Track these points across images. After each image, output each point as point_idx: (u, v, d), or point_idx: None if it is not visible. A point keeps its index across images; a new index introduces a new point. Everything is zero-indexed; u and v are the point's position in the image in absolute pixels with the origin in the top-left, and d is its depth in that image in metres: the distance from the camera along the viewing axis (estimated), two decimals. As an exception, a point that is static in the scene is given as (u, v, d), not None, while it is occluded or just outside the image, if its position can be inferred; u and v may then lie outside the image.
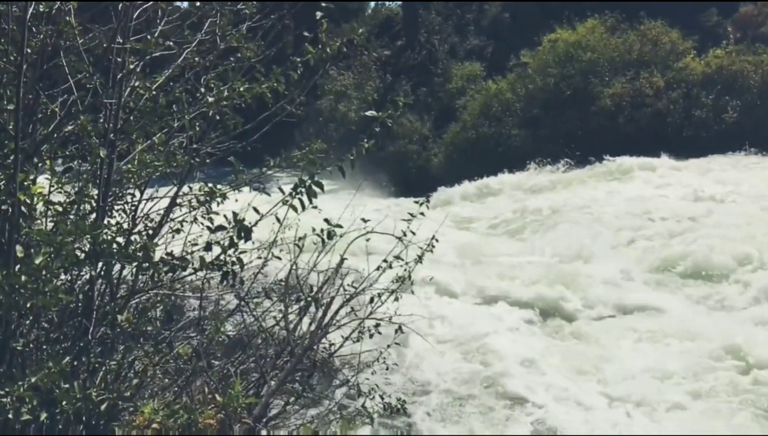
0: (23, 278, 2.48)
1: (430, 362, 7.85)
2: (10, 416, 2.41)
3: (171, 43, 3.51)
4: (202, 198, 3.48)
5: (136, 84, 3.35)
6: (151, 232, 3.59)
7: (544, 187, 17.53)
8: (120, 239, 2.89)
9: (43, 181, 3.08)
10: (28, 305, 2.59)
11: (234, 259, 3.11)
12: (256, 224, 3.16)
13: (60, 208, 3.06)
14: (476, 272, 11.03)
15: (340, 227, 3.64)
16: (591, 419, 6.62)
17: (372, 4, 32.14)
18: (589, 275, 10.33)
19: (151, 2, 3.50)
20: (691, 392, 7.04)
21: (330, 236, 3.64)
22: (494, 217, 15.69)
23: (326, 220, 3.59)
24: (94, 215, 3.10)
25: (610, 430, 6.43)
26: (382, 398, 4.48)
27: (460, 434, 6.81)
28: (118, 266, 3.07)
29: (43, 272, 2.55)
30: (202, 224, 3.46)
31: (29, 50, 3.02)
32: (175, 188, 3.63)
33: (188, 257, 3.23)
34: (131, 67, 3.29)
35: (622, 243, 11.95)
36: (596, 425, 6.50)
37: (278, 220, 3.46)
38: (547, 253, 11.96)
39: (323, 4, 3.80)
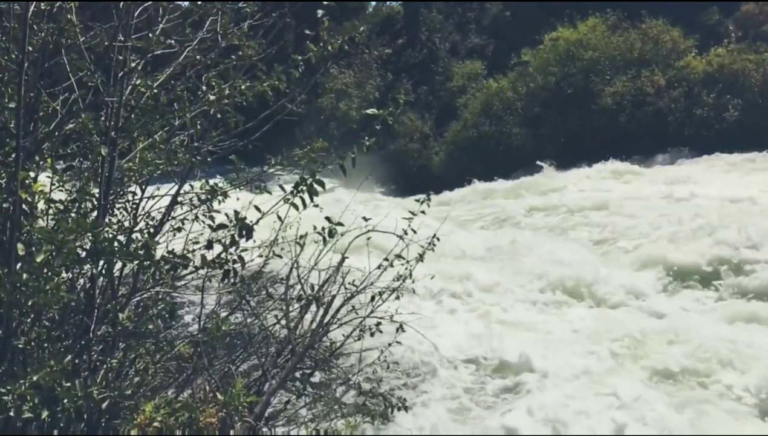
0: (24, 276, 2.48)
1: (429, 358, 8.09)
2: (12, 414, 2.41)
3: (172, 42, 3.51)
4: (203, 196, 3.48)
5: (138, 82, 3.35)
6: (152, 230, 3.59)
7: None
8: (121, 237, 2.89)
9: (44, 179, 3.08)
10: (30, 303, 2.59)
11: (235, 257, 3.11)
12: (257, 222, 3.16)
13: (61, 207, 3.07)
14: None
15: (341, 224, 3.64)
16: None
17: (373, 2, 32.13)
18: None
19: (152, 0, 3.49)
20: (594, 354, 8.15)
21: (331, 234, 3.64)
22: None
23: (327, 218, 3.59)
24: (95, 213, 3.10)
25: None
26: (384, 397, 4.48)
27: (460, 434, 6.84)
28: (119, 265, 3.07)
29: (45, 270, 2.55)
30: (204, 222, 3.47)
31: (30, 48, 3.02)
32: (177, 187, 3.63)
33: (189, 255, 3.23)
34: (132, 65, 3.29)
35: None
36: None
37: (279, 218, 3.46)
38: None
39: (324, 3, 3.80)
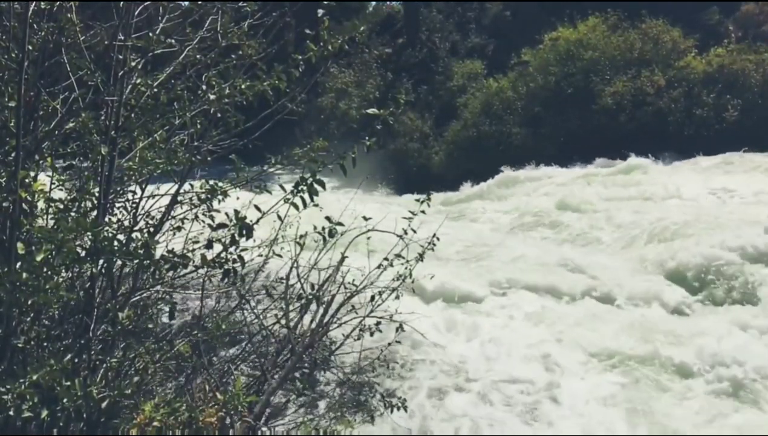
0: (24, 275, 2.48)
1: (428, 359, 8.29)
2: (11, 413, 2.41)
3: (172, 41, 3.51)
4: (203, 196, 3.48)
5: (138, 81, 3.35)
6: (152, 229, 3.59)
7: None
8: (121, 237, 2.89)
9: (44, 178, 3.08)
10: (29, 302, 2.59)
11: (235, 257, 3.11)
12: (257, 221, 3.16)
13: (61, 206, 3.07)
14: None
15: (341, 224, 3.64)
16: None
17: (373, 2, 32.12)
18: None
19: (152, 0, 3.49)
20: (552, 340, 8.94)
21: (331, 233, 3.64)
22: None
23: (327, 218, 3.59)
24: (95, 213, 3.10)
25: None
26: (383, 396, 4.48)
27: (459, 434, 6.86)
28: (119, 264, 3.07)
29: (44, 269, 2.54)
30: (204, 221, 3.47)
31: (31, 47, 3.02)
32: (177, 186, 3.63)
33: (189, 254, 3.23)
34: (133, 64, 3.29)
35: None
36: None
37: (279, 218, 3.46)
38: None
39: (324, 2, 3.80)
